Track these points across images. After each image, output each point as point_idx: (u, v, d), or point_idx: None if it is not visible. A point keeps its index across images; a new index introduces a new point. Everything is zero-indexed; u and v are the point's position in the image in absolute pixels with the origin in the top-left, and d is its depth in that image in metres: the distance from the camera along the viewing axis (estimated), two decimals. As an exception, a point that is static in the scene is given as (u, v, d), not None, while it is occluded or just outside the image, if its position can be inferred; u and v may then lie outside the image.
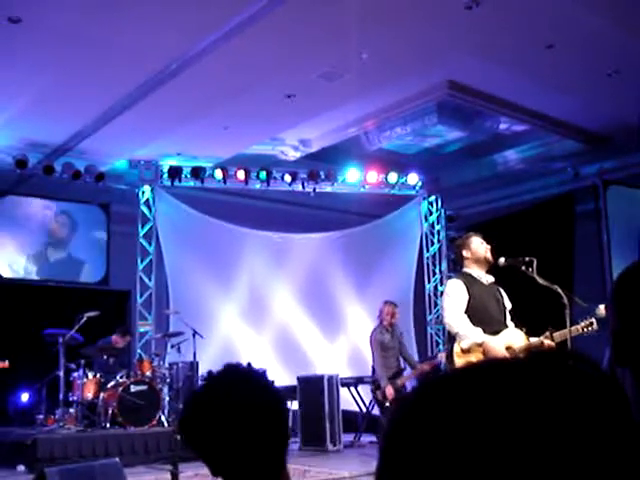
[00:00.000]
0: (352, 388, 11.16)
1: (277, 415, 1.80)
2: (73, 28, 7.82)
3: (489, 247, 5.64)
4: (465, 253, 5.66)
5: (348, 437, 10.74)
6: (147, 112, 9.93)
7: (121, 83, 9.19)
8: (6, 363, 8.14)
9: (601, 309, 5.98)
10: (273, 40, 8.16)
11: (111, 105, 9.81)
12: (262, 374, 1.87)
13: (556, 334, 5.25)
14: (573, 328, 5.17)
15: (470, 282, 5.52)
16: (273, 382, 1.88)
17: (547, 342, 5.27)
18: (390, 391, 9.16)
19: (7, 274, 11.68)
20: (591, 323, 5.25)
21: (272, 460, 1.79)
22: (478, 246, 5.63)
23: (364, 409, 11.03)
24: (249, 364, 1.87)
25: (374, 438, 10.10)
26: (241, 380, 1.82)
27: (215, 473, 1.77)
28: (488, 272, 5.69)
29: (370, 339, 9.60)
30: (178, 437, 5.45)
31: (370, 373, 9.94)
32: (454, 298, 5.44)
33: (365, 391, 10.99)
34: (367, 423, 10.86)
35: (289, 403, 10.93)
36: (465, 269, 5.67)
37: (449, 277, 13.06)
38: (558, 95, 10.17)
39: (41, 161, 11.51)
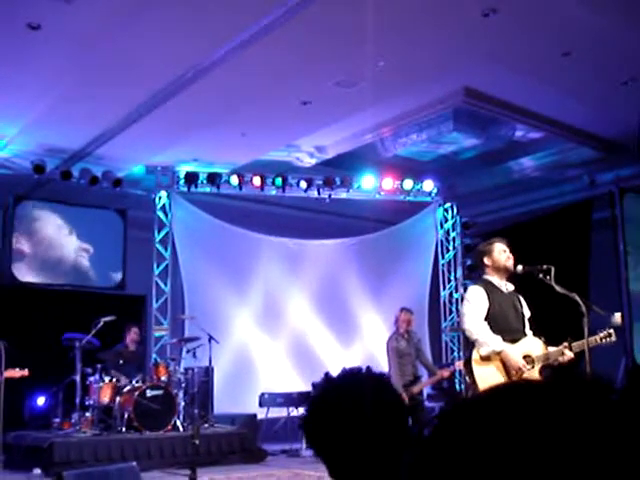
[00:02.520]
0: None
1: (398, 419, 1.82)
2: (92, 35, 7.88)
3: (511, 257, 5.60)
4: (487, 260, 5.62)
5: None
6: (164, 118, 9.99)
7: (139, 89, 9.25)
8: (26, 371, 8.19)
9: (617, 317, 5.98)
10: (290, 48, 8.19)
11: (129, 111, 9.87)
12: (382, 377, 1.89)
13: (574, 344, 5.23)
14: (592, 339, 5.15)
15: (490, 290, 5.50)
16: (393, 386, 1.90)
17: (567, 352, 5.25)
18: (405, 399, 9.14)
19: (25, 279, 11.75)
20: (609, 334, 5.24)
21: (390, 465, 1.80)
22: (500, 254, 5.59)
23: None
24: (368, 367, 1.89)
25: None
26: (362, 382, 1.84)
27: (333, 474, 1.80)
28: (508, 280, 5.67)
29: (386, 346, 9.60)
30: (197, 442, 5.47)
31: (385, 380, 9.90)
32: (474, 305, 5.42)
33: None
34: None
35: (303, 409, 10.90)
36: (485, 276, 5.64)
37: (464, 284, 13.06)
38: (574, 102, 10.15)
39: (59, 166, 11.58)
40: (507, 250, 5.63)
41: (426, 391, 10.36)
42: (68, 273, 12.17)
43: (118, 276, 12.50)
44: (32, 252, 11.87)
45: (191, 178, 12.38)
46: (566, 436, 0.65)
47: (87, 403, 9.70)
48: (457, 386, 12.45)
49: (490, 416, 0.69)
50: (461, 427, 0.70)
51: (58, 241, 12.10)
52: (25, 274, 11.77)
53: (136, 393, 9.47)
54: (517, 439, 0.66)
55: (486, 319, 5.37)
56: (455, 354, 13.48)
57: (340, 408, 1.78)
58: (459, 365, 9.41)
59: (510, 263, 5.56)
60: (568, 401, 0.69)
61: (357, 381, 1.86)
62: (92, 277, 12.36)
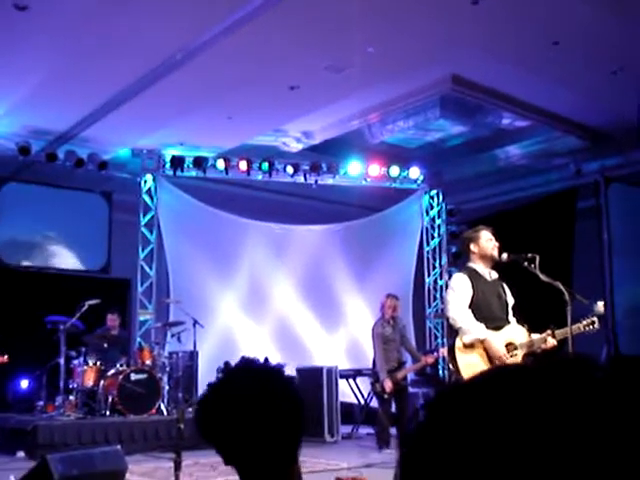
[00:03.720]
0: (351, 380, 11.20)
1: (292, 409, 1.83)
2: (78, 17, 7.83)
3: (497, 245, 5.63)
4: (473, 247, 5.64)
5: (346, 429, 10.79)
6: (151, 101, 9.94)
7: (125, 72, 9.20)
8: (5, 358, 8.15)
9: (599, 306, 6.02)
10: (278, 32, 8.17)
11: (115, 94, 9.82)
12: (279, 369, 1.90)
13: (558, 332, 5.27)
14: (575, 327, 5.19)
15: (475, 277, 5.53)
16: (291, 377, 1.92)
17: (549, 339, 5.29)
18: (389, 384, 9.20)
19: (9, 261, 11.70)
20: (593, 322, 5.28)
21: (284, 453, 1.82)
22: (487, 242, 5.62)
23: (362, 401, 11.08)
24: (266, 359, 1.91)
25: (372, 430, 10.14)
26: (258, 372, 1.86)
27: (228, 462, 1.81)
28: (493, 268, 5.69)
29: (372, 332, 9.65)
30: (181, 426, 5.48)
31: (370, 365, 9.98)
32: (458, 292, 5.45)
33: (363, 383, 11.03)
34: (365, 415, 10.91)
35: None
36: (470, 264, 5.66)
37: (449, 271, 13.11)
38: (562, 91, 10.18)
39: (44, 148, 11.51)
40: (493, 239, 5.65)
41: (410, 377, 10.41)
42: (52, 255, 12.12)
43: (103, 259, 12.46)
44: (15, 233, 11.82)
45: (177, 162, 12.34)
46: (556, 418, 0.66)
47: (71, 386, 9.69)
48: (441, 373, 12.52)
49: (480, 401, 0.70)
50: (451, 414, 0.71)
51: (42, 223, 12.04)
52: (9, 255, 11.72)
53: (120, 377, 9.47)
54: (507, 422, 0.67)
55: (470, 307, 5.40)
56: (439, 341, 13.55)
57: (231, 397, 1.80)
58: (443, 352, 9.47)
59: (495, 252, 5.59)
60: (555, 381, 0.69)
61: (251, 371, 1.87)
62: (77, 260, 12.31)
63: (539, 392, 0.68)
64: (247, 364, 1.89)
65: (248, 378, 1.84)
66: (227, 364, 1.91)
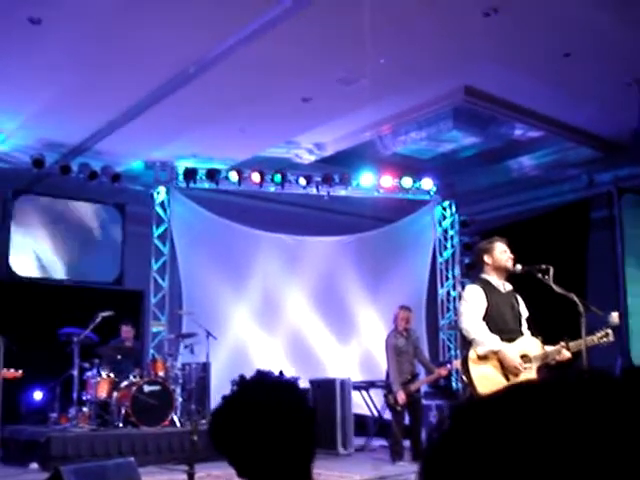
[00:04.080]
0: (364, 392, 11.17)
1: (305, 422, 1.84)
2: (91, 31, 7.88)
3: (512, 256, 5.60)
4: (487, 259, 5.62)
5: (359, 441, 10.75)
6: (164, 114, 9.99)
7: (138, 85, 9.25)
8: (19, 373, 8.17)
9: (614, 317, 5.99)
10: (291, 44, 8.20)
11: (128, 106, 9.87)
12: (293, 382, 1.90)
13: (572, 344, 5.24)
14: (589, 338, 5.17)
15: (488, 289, 5.51)
16: (304, 391, 1.93)
17: (563, 352, 5.26)
18: (402, 396, 9.17)
19: (23, 273, 11.75)
20: (607, 334, 5.25)
21: (297, 466, 1.82)
22: (501, 254, 5.59)
23: (375, 413, 11.05)
24: (281, 372, 1.91)
25: (385, 442, 10.11)
26: (272, 386, 1.86)
27: (241, 474, 1.81)
28: (507, 279, 5.67)
29: (385, 343, 9.63)
30: (195, 438, 5.48)
31: (384, 377, 9.96)
32: (472, 304, 5.43)
33: (377, 395, 11.00)
34: (378, 427, 10.88)
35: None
36: (484, 275, 5.65)
37: (462, 282, 13.07)
38: (574, 102, 10.16)
39: (58, 161, 11.58)
40: (507, 250, 5.63)
41: (423, 389, 10.38)
42: (66, 267, 12.17)
43: (116, 271, 12.50)
44: (30, 246, 11.88)
45: (190, 174, 12.38)
46: (578, 433, 0.66)
47: (84, 398, 9.71)
48: (454, 385, 12.47)
49: (504, 415, 0.70)
50: (475, 427, 0.71)
51: (56, 235, 12.09)
52: (23, 268, 11.77)
53: (133, 388, 9.48)
54: (530, 437, 0.67)
55: (484, 318, 5.38)
56: (452, 352, 13.50)
57: (246, 410, 1.80)
58: (456, 364, 9.43)
59: (510, 263, 5.57)
60: (578, 397, 0.70)
61: (265, 384, 1.87)
62: (90, 272, 12.35)
63: (561, 408, 0.69)
64: (262, 377, 1.90)
65: (263, 391, 1.85)
66: (242, 377, 1.91)
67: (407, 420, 9.48)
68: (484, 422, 0.71)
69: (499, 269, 5.57)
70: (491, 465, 0.68)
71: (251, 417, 1.78)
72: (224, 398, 1.89)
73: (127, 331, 10.80)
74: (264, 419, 1.77)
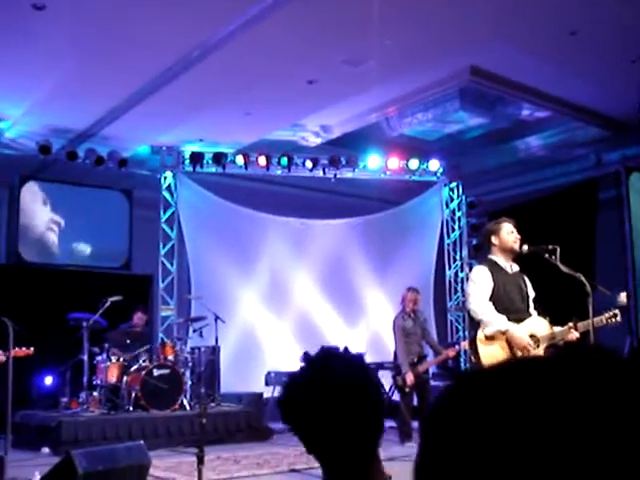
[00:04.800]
0: (372, 373, 11.18)
1: (374, 399, 1.85)
2: (96, 15, 7.87)
3: (519, 237, 5.60)
4: (494, 239, 5.62)
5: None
6: (170, 98, 9.98)
7: (144, 69, 9.24)
8: (31, 350, 8.22)
9: (622, 297, 5.98)
10: (296, 26, 8.17)
11: (134, 91, 9.86)
12: (360, 357, 1.91)
13: (580, 324, 5.24)
14: (597, 319, 5.16)
15: (495, 270, 5.51)
16: (369, 366, 1.94)
17: (571, 332, 5.26)
18: (410, 377, 9.20)
19: (32, 258, 11.79)
20: (615, 315, 5.25)
21: (365, 443, 1.83)
22: (508, 235, 5.59)
23: (384, 394, 11.07)
24: (346, 348, 1.92)
25: (394, 423, 10.13)
26: (340, 361, 1.87)
27: (310, 450, 1.83)
28: (514, 260, 5.67)
29: (393, 325, 9.65)
30: (204, 421, 5.50)
31: (391, 359, 9.98)
32: (479, 285, 5.43)
33: (385, 377, 11.03)
34: (387, 408, 10.88)
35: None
36: (491, 256, 5.64)
37: (470, 264, 13.07)
38: (581, 81, 10.11)
39: (64, 147, 11.60)
40: (514, 231, 5.63)
41: (432, 370, 10.40)
42: (74, 252, 12.20)
43: (124, 256, 12.54)
44: (39, 231, 11.91)
45: (196, 158, 12.38)
46: (576, 408, 0.67)
47: (94, 382, 9.77)
48: (462, 365, 12.49)
49: (502, 388, 0.71)
50: (473, 399, 0.72)
51: (63, 220, 12.13)
52: (32, 253, 11.81)
53: (143, 372, 9.54)
54: (527, 410, 0.68)
55: (491, 299, 5.38)
56: (460, 333, 13.51)
57: (315, 386, 1.82)
58: (464, 345, 9.44)
59: (517, 245, 5.57)
60: (574, 371, 0.70)
61: (333, 360, 1.88)
62: (99, 257, 12.39)
63: (557, 381, 0.69)
64: (329, 353, 1.91)
65: (331, 367, 1.86)
66: (307, 354, 1.93)
67: (415, 401, 9.50)
68: (482, 391, 0.72)
69: (506, 250, 5.57)
70: (486, 432, 0.68)
71: (320, 393, 1.80)
72: (292, 375, 1.91)
73: (140, 317, 10.85)
74: (333, 394, 1.79)
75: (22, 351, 8.07)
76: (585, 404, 0.67)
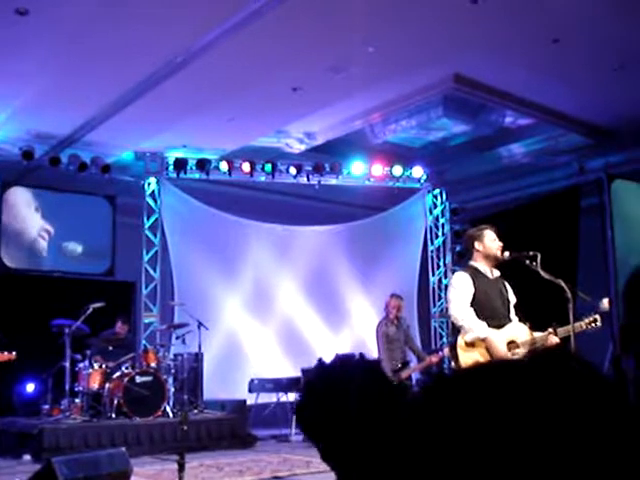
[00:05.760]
0: (356, 380, 11.18)
1: (389, 404, 1.84)
2: (79, 21, 7.84)
3: (501, 245, 5.63)
4: (477, 245, 5.64)
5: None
6: (153, 104, 9.96)
7: (127, 75, 9.22)
8: (13, 355, 8.15)
9: (605, 303, 6.01)
10: (280, 33, 8.17)
11: (117, 97, 9.84)
12: (376, 364, 1.91)
13: (560, 330, 5.27)
14: (577, 324, 5.19)
15: (476, 275, 5.53)
16: (386, 373, 1.93)
17: (551, 337, 5.28)
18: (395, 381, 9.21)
19: (13, 265, 11.72)
20: (595, 319, 5.27)
21: (382, 448, 1.83)
22: (491, 242, 5.62)
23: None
24: (361, 354, 1.91)
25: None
26: (355, 368, 1.87)
27: (325, 458, 1.83)
28: (495, 266, 5.69)
29: (376, 331, 9.66)
30: (185, 428, 5.49)
31: (374, 365, 9.98)
32: (460, 291, 5.45)
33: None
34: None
35: (293, 395, 11.02)
36: (472, 262, 5.67)
37: (453, 270, 13.09)
38: (564, 89, 10.17)
39: (47, 152, 11.54)
40: (497, 239, 5.66)
41: (415, 377, 10.41)
42: (57, 259, 12.15)
43: (107, 263, 12.49)
44: (21, 237, 11.85)
45: (180, 164, 12.36)
46: (543, 410, 0.68)
47: (76, 389, 9.72)
48: (446, 372, 12.49)
49: (473, 390, 0.72)
50: (446, 400, 0.73)
51: (45, 227, 12.07)
52: (13, 260, 11.74)
53: (125, 379, 9.49)
54: (497, 410, 0.69)
55: (472, 305, 5.40)
56: (444, 340, 13.54)
57: (332, 394, 1.81)
58: (447, 351, 9.46)
59: (499, 252, 5.60)
60: (536, 372, 0.72)
61: (349, 367, 1.88)
62: (81, 263, 12.34)
63: (520, 382, 0.71)
64: (344, 360, 1.90)
65: (346, 374, 1.85)
66: (321, 360, 1.92)
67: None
68: (452, 398, 0.73)
69: (488, 257, 5.60)
70: (456, 432, 0.70)
71: (338, 400, 1.79)
72: (307, 383, 1.90)
73: (121, 327, 10.82)
74: (351, 402, 1.78)
75: (4, 356, 8.00)
76: (548, 407, 0.68)
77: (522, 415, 0.68)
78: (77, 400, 9.68)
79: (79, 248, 12.35)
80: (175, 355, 10.79)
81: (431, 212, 14.17)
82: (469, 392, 0.72)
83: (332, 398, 1.81)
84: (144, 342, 11.92)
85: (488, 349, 5.26)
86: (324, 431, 1.82)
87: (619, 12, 7.99)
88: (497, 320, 5.41)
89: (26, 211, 11.93)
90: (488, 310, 5.42)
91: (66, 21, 7.87)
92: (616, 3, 7.79)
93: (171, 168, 12.47)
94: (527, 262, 5.42)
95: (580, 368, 0.73)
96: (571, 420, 0.68)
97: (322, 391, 1.84)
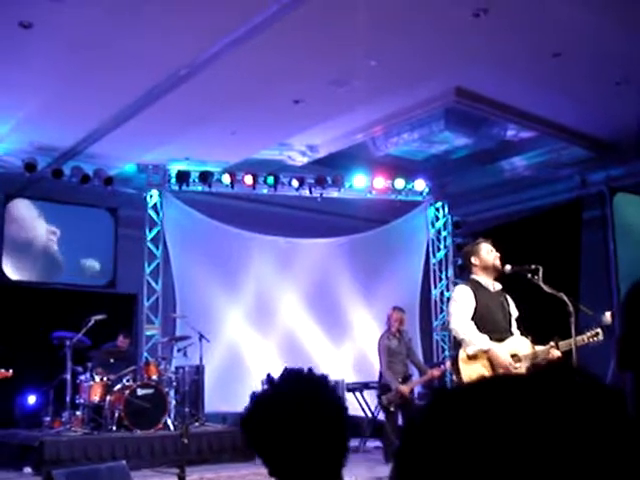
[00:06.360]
0: (358, 393, 11.17)
1: (338, 421, 1.83)
2: (82, 34, 7.88)
3: (498, 255, 5.64)
4: (474, 260, 5.67)
5: (354, 442, 10.73)
6: (156, 117, 9.98)
7: (130, 88, 9.24)
8: (9, 373, 8.12)
9: (607, 316, 6.00)
10: (282, 46, 8.20)
11: (120, 109, 9.86)
12: (323, 378, 1.89)
13: (562, 343, 5.26)
14: (579, 338, 5.18)
15: (477, 289, 5.53)
16: (334, 387, 1.91)
17: (553, 351, 5.27)
18: (405, 389, 9.21)
19: (15, 277, 11.73)
20: (597, 333, 5.26)
21: (329, 465, 1.81)
22: (487, 254, 5.64)
23: (369, 414, 11.05)
24: (310, 369, 1.90)
25: (379, 443, 10.10)
26: (302, 382, 1.85)
27: (272, 474, 1.80)
28: (496, 279, 5.69)
29: (378, 344, 9.64)
30: (185, 441, 5.47)
31: (377, 378, 9.96)
32: (461, 304, 5.45)
33: (371, 396, 11.00)
34: (372, 428, 10.87)
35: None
36: (473, 276, 5.68)
37: (455, 283, 13.08)
38: (566, 102, 10.18)
39: (50, 165, 11.57)
40: (493, 250, 5.67)
41: (417, 390, 10.39)
42: (59, 271, 12.15)
43: (109, 275, 12.50)
44: (22, 250, 11.86)
45: (183, 177, 12.38)
46: (548, 425, 0.68)
47: (78, 402, 9.70)
48: (448, 385, 12.47)
49: (477, 406, 0.72)
50: (450, 416, 0.73)
51: (46, 240, 12.08)
52: (15, 272, 11.75)
53: (127, 392, 9.47)
54: (502, 427, 0.69)
55: (473, 318, 5.39)
56: (446, 353, 13.51)
57: (279, 409, 1.80)
58: (449, 364, 9.45)
59: (498, 262, 5.61)
60: (551, 391, 0.72)
61: (297, 382, 1.86)
62: (83, 275, 12.34)
63: (524, 398, 0.71)
64: (291, 374, 1.89)
65: (293, 388, 1.84)
66: (270, 375, 1.91)
67: (401, 421, 9.48)
68: (456, 414, 0.73)
69: (487, 269, 5.60)
70: (459, 450, 0.69)
71: (282, 414, 1.77)
72: (254, 397, 1.89)
73: (123, 341, 10.82)
74: (295, 416, 1.76)
75: (0, 373, 7.98)
76: (554, 422, 0.68)
77: (530, 434, 0.68)
78: (78, 412, 9.66)
79: (97, 265, 12.38)
80: (176, 368, 10.77)
81: (433, 225, 14.17)
82: (473, 411, 0.72)
83: (281, 413, 1.79)
84: (145, 354, 11.90)
85: (491, 361, 5.25)
86: (271, 445, 1.80)
87: (621, 26, 8.01)
88: (498, 334, 5.40)
89: (31, 221, 11.93)
90: (489, 324, 5.41)
91: (69, 34, 7.90)
92: (618, 18, 7.81)
93: (173, 181, 12.49)
94: (529, 275, 5.42)
95: (586, 383, 0.73)
96: (580, 436, 0.67)
97: (270, 406, 1.83)
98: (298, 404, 1.79)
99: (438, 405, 0.76)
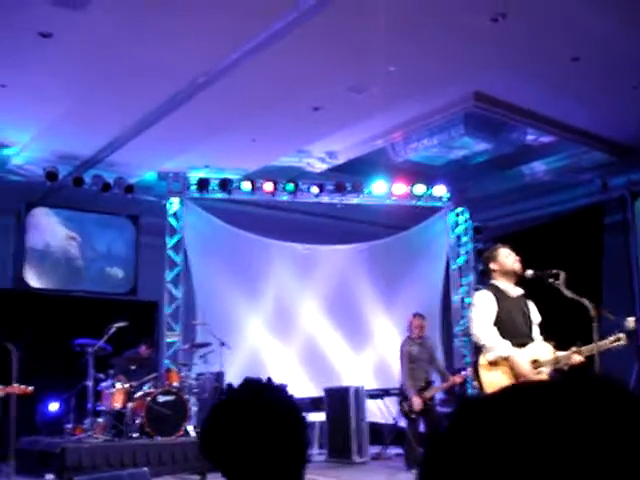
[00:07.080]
0: (379, 400, 11.14)
1: (295, 430, 1.81)
2: (103, 42, 7.93)
3: (518, 258, 5.61)
4: (493, 265, 5.64)
5: (374, 449, 10.71)
6: (176, 125, 10.03)
7: (150, 96, 9.30)
8: (30, 389, 8.14)
9: (630, 321, 5.93)
10: (301, 53, 8.22)
11: (140, 118, 9.92)
12: (281, 388, 1.88)
13: (584, 348, 5.21)
14: (601, 343, 5.13)
15: (498, 294, 5.50)
16: (292, 397, 1.90)
17: (575, 357, 5.23)
18: (418, 402, 9.14)
19: (37, 285, 11.81)
20: (619, 338, 5.20)
21: (288, 473, 1.80)
22: (506, 258, 5.60)
23: (390, 421, 11.01)
24: (269, 379, 1.89)
25: (400, 450, 10.06)
26: (260, 394, 1.84)
27: None
28: (517, 284, 5.66)
29: (400, 351, 9.62)
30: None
31: (398, 385, 9.93)
32: (482, 310, 5.41)
33: (392, 403, 10.97)
34: (393, 435, 10.83)
35: (316, 415, 10.96)
36: (493, 281, 5.65)
37: (476, 289, 13.01)
38: (585, 107, 10.13)
39: (71, 173, 11.66)
40: (512, 253, 5.63)
41: (438, 396, 10.34)
42: (80, 279, 12.23)
43: (130, 282, 12.56)
44: (44, 258, 11.94)
45: (203, 184, 12.43)
46: (576, 434, 0.68)
47: (99, 409, 9.74)
48: (469, 392, 12.41)
49: (505, 414, 0.72)
50: (477, 425, 0.73)
51: (68, 247, 12.17)
52: (37, 279, 11.83)
53: (148, 399, 9.49)
54: (529, 436, 0.69)
55: (495, 324, 5.35)
56: (467, 359, 13.44)
57: (236, 419, 1.78)
58: (470, 371, 9.40)
59: (517, 265, 5.57)
60: (578, 399, 0.71)
61: (254, 392, 1.85)
62: (104, 283, 12.41)
63: (554, 408, 0.71)
64: (248, 383, 1.88)
65: (249, 396, 1.83)
66: (230, 385, 1.91)
67: (422, 428, 9.44)
68: (483, 423, 0.73)
69: (507, 273, 5.57)
70: (484, 463, 0.69)
71: (238, 423, 1.76)
72: (212, 406, 1.88)
73: (145, 351, 10.82)
74: (251, 424, 1.75)
75: (20, 389, 8.00)
76: (581, 432, 0.67)
77: (556, 445, 0.67)
78: (100, 419, 9.69)
79: (120, 273, 12.46)
80: (197, 374, 10.78)
81: (453, 231, 14.12)
82: (499, 421, 0.71)
83: (237, 423, 1.77)
84: (166, 361, 11.94)
85: (511, 368, 5.21)
86: (228, 457, 1.78)
87: (637, 30, 7.96)
88: (519, 339, 5.36)
89: (52, 229, 12.02)
90: (510, 329, 5.37)
91: (89, 43, 7.96)
92: (635, 21, 7.77)
93: (193, 188, 12.55)
94: (551, 280, 5.38)
95: (613, 392, 0.72)
96: (610, 448, 0.67)
97: (227, 416, 1.81)
98: (251, 410, 1.78)
99: (464, 414, 0.76)
